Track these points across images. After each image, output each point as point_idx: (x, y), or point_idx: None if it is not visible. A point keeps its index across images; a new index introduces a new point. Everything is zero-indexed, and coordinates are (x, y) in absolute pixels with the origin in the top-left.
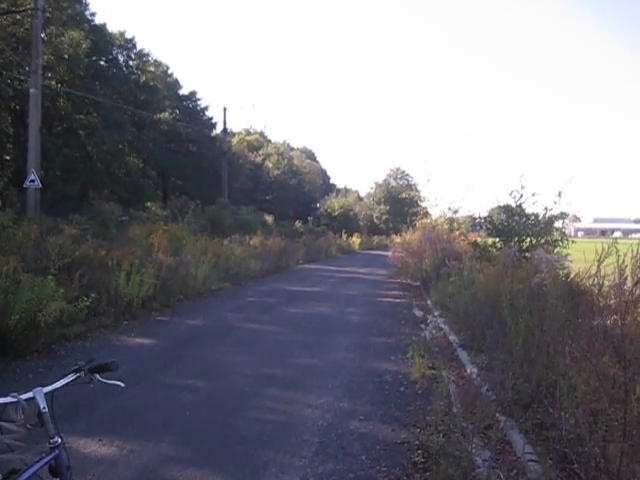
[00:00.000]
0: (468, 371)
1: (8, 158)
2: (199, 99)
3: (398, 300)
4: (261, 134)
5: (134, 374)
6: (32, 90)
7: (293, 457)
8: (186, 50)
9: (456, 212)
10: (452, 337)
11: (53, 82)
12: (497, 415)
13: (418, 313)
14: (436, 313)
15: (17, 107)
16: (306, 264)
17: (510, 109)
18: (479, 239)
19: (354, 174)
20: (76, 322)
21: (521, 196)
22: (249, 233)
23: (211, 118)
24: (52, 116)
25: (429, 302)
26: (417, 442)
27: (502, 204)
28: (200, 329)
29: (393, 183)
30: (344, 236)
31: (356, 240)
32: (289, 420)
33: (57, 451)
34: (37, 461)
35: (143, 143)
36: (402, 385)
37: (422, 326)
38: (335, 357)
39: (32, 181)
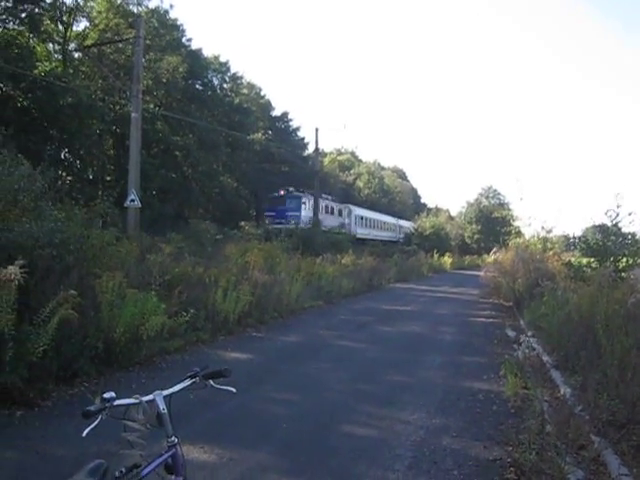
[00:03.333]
0: (562, 391)
1: (109, 179)
2: (291, 120)
3: (490, 320)
4: (352, 154)
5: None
6: (133, 114)
7: (386, 470)
8: (278, 71)
9: (549, 232)
10: (545, 357)
11: (152, 105)
12: (591, 435)
13: (511, 333)
14: (529, 333)
15: (118, 130)
16: (397, 283)
17: (611, 120)
18: (573, 259)
19: (445, 193)
20: (175, 336)
21: (617, 215)
22: (340, 252)
23: (303, 138)
24: (150, 138)
25: (522, 322)
26: (509, 460)
27: (597, 223)
28: (294, 345)
29: (485, 202)
30: (435, 256)
31: (447, 260)
32: (382, 435)
33: (174, 450)
34: (156, 458)
35: (237, 163)
36: (494, 404)
37: (515, 346)
38: (428, 375)
39: (132, 201)
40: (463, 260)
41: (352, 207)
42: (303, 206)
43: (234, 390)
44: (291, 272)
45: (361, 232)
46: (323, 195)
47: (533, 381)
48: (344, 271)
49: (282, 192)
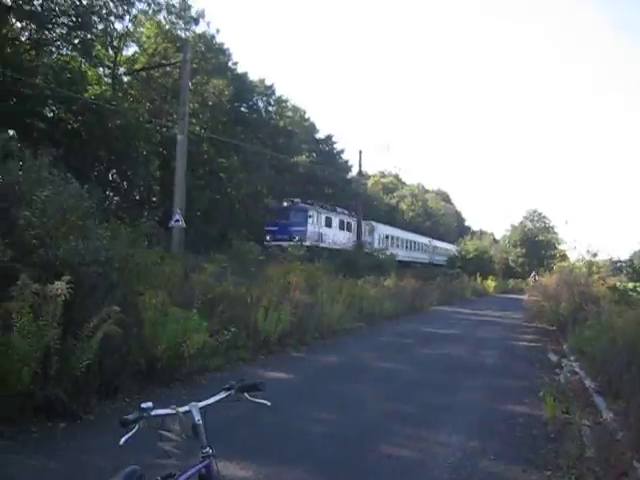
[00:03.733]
0: (604, 416)
1: (154, 199)
2: (335, 142)
3: (533, 344)
4: (396, 176)
5: (271, 406)
6: (179, 136)
7: None
8: (322, 94)
9: (595, 255)
10: (588, 382)
11: (198, 128)
12: (634, 462)
13: (553, 357)
14: (572, 358)
15: (164, 152)
16: (440, 306)
17: None
18: (619, 283)
19: (490, 216)
20: (216, 354)
21: None
22: (383, 274)
23: (347, 161)
24: (196, 160)
25: (565, 346)
26: None
27: None
28: (334, 366)
29: (530, 225)
30: (478, 279)
31: (491, 283)
32: (419, 456)
33: (208, 460)
34: (190, 468)
35: (281, 186)
36: (534, 428)
37: (557, 370)
38: (467, 397)
39: (177, 221)
40: (507, 284)
41: (375, 224)
42: (310, 220)
43: (268, 403)
44: (332, 293)
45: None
46: (338, 209)
47: (574, 405)
48: (386, 293)
49: (285, 204)
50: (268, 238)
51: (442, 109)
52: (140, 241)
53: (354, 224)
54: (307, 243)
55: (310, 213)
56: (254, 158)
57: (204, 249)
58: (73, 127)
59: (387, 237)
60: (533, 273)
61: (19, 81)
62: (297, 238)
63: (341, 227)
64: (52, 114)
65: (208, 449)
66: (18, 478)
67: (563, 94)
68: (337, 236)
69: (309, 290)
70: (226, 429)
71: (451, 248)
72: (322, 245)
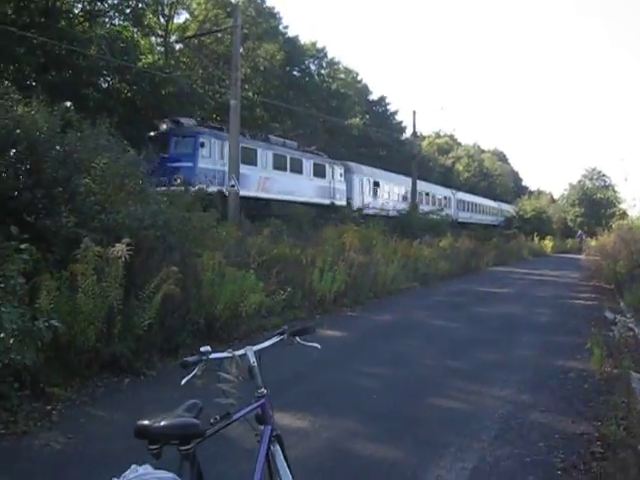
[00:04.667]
0: None
1: None
2: (388, 103)
3: (589, 302)
4: (451, 137)
5: (325, 361)
6: (232, 101)
7: (472, 440)
8: (375, 55)
9: None
10: None
11: (250, 93)
12: None
13: (609, 315)
14: (628, 315)
15: (217, 118)
16: (496, 267)
17: None
18: None
19: (547, 176)
20: (273, 314)
21: None
22: (438, 235)
23: (400, 122)
24: (249, 125)
25: (622, 304)
26: (597, 434)
27: None
28: (388, 324)
29: (588, 184)
30: (536, 239)
31: (548, 243)
32: (470, 408)
33: (263, 400)
34: (246, 407)
35: (334, 148)
36: (586, 382)
37: (612, 327)
38: (520, 354)
39: (232, 186)
40: (565, 243)
41: (359, 167)
42: (201, 151)
43: (318, 346)
44: (387, 254)
45: (373, 206)
46: (287, 142)
47: (628, 360)
48: (441, 254)
49: (164, 126)
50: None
51: (497, 66)
52: (196, 205)
53: (329, 168)
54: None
55: (201, 140)
56: (307, 122)
57: (259, 213)
58: (127, 96)
59: (376, 184)
60: (579, 233)
61: (74, 53)
62: (180, 180)
63: (293, 168)
64: (107, 84)
65: (263, 390)
66: (88, 428)
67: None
68: (306, 186)
69: (364, 251)
70: (284, 385)
71: (508, 208)
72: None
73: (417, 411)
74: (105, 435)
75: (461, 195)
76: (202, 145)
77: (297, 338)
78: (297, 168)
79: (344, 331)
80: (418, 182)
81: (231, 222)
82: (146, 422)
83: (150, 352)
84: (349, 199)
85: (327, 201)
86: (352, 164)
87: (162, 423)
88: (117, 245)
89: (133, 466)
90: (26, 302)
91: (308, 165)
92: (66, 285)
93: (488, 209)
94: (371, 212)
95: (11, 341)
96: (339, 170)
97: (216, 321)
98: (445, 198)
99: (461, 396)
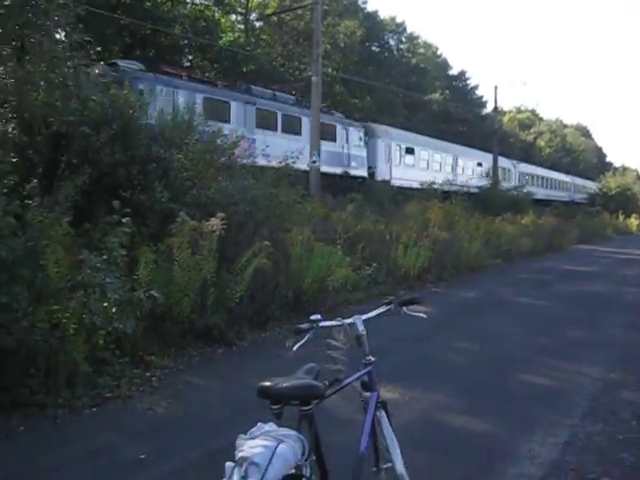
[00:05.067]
0: None
1: None
2: (468, 78)
3: None
4: (532, 112)
5: (412, 336)
6: (314, 77)
7: (562, 416)
8: (455, 29)
9: None
10: None
11: (330, 69)
12: None
13: None
14: None
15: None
16: (579, 245)
17: None
18: None
19: (633, 151)
20: (358, 289)
21: None
22: (520, 212)
23: (481, 97)
24: (329, 101)
25: None
26: None
27: None
28: (473, 300)
29: None
30: (621, 217)
31: (634, 221)
32: (559, 385)
33: (370, 367)
34: (354, 374)
35: (414, 124)
36: None
37: None
38: (607, 332)
39: (314, 162)
40: None
41: (386, 130)
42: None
43: (425, 316)
44: (470, 230)
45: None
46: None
47: None
48: (524, 231)
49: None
50: None
51: (581, 38)
52: (283, 181)
53: (343, 131)
54: None
55: (141, 87)
56: (387, 97)
57: (339, 189)
58: (210, 74)
59: (407, 150)
60: None
61: (158, 32)
62: None
63: (286, 128)
64: (189, 62)
65: (370, 357)
66: (186, 394)
67: None
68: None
69: (447, 227)
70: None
71: (592, 185)
72: None
73: (506, 386)
74: (202, 401)
75: (523, 167)
76: (141, 93)
77: (404, 308)
78: (292, 128)
79: (429, 307)
80: (464, 149)
81: (314, 198)
82: (268, 383)
83: (241, 324)
84: (371, 168)
85: (338, 170)
86: (375, 125)
87: (285, 384)
88: (212, 219)
89: (259, 424)
90: (126, 274)
91: (310, 125)
92: (162, 258)
93: (557, 183)
94: (406, 185)
95: (114, 310)
96: (357, 133)
97: (303, 295)
98: (504, 170)
99: (550, 372)
